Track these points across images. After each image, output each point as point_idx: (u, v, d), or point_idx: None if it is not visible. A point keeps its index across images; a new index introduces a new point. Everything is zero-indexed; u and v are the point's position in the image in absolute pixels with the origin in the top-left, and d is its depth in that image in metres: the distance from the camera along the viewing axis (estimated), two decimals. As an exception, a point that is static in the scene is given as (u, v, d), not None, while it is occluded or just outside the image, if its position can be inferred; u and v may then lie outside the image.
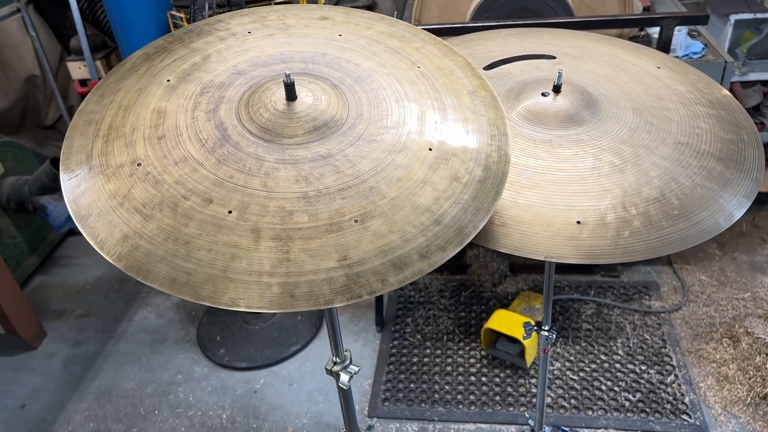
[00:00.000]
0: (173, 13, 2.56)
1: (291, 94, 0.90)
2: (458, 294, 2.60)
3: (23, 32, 2.85)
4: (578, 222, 0.96)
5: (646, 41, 2.17)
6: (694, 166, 1.02)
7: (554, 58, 1.27)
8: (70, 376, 2.39)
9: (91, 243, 0.77)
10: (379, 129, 0.91)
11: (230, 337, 2.46)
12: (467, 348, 2.34)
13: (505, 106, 1.13)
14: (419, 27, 1.12)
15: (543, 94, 1.13)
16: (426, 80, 0.99)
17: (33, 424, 2.20)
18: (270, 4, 2.49)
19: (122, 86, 0.95)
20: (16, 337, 2.47)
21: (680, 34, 2.13)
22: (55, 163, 2.57)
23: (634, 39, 2.16)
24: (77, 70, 2.90)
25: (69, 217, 1.68)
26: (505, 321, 2.21)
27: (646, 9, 2.44)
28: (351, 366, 1.23)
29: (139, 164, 0.84)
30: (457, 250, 0.81)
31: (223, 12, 2.13)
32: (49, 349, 2.53)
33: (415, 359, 2.31)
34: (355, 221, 0.81)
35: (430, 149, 0.89)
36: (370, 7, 2.98)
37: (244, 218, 0.79)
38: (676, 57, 2.15)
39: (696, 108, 1.13)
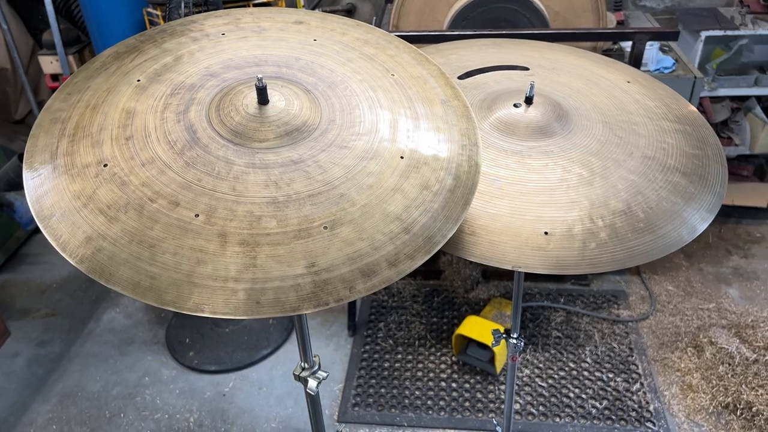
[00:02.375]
0: (149, 10, 2.52)
1: (263, 98, 0.90)
2: (431, 299, 2.61)
3: (-6, 24, 2.79)
4: (546, 233, 0.97)
5: (619, 55, 2.21)
6: (659, 180, 1.04)
7: (527, 69, 1.28)
8: (34, 377, 2.34)
9: (53, 244, 0.75)
10: (351, 135, 0.91)
11: (200, 339, 2.43)
12: (438, 354, 2.35)
13: (477, 116, 1.14)
14: (396, 33, 1.13)
15: (515, 105, 1.14)
16: (399, 88, 0.99)
17: (-7, 426, 2.15)
18: (248, 6, 2.47)
19: (91, 85, 0.93)
20: (-22, 337, 2.41)
21: (652, 48, 2.18)
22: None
23: (607, 52, 2.20)
24: (49, 64, 2.84)
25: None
26: (476, 327, 2.23)
27: (619, 23, 2.49)
28: (319, 372, 1.23)
29: (105, 165, 0.83)
30: (426, 258, 0.81)
31: (200, 11, 2.11)
32: (13, 348, 2.47)
33: (386, 364, 2.31)
34: (325, 228, 0.80)
35: (402, 157, 0.90)
36: (350, 12, 2.98)
37: (211, 222, 0.78)
38: (648, 71, 2.20)
39: (663, 123, 1.15)
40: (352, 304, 2.47)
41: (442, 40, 1.44)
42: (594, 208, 1.00)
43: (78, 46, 2.90)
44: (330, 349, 2.41)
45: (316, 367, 1.23)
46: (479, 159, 0.93)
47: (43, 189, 0.81)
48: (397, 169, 0.88)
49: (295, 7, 2.90)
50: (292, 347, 2.42)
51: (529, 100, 1.14)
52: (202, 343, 2.42)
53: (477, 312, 2.48)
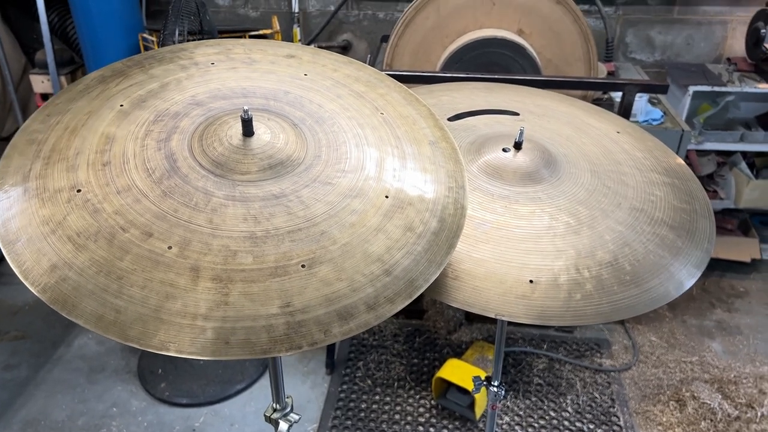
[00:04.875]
0: (145, 35, 2.53)
1: (248, 130, 0.88)
2: (412, 339, 2.56)
3: (-14, 41, 2.77)
4: (531, 281, 0.94)
5: (609, 104, 2.23)
6: (647, 233, 1.03)
7: (518, 114, 1.28)
8: (-4, 402, 2.25)
9: (16, 271, 0.72)
10: (336, 172, 0.89)
11: (173, 370, 2.36)
12: (417, 396, 2.29)
13: (465, 159, 1.13)
14: (387, 72, 1.12)
15: (504, 150, 1.13)
16: (388, 127, 0.98)
17: (-52, 453, 2.05)
18: (243, 37, 2.48)
19: (72, 107, 0.91)
20: (-58, 357, 2.32)
21: (641, 100, 2.20)
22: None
23: (597, 101, 2.22)
24: (40, 83, 2.82)
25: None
26: (457, 371, 2.18)
27: (610, 73, 2.52)
28: (291, 414, 1.18)
29: (78, 190, 0.80)
30: (406, 303, 0.78)
31: (195, 40, 2.11)
32: (-23, 372, 2.38)
33: (363, 405, 2.25)
34: (303, 266, 0.78)
35: (387, 196, 0.88)
36: (346, 48, 3.00)
37: (184, 255, 0.75)
38: (637, 122, 2.22)
39: (652, 175, 1.15)
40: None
41: (433, 81, 1.45)
42: (580, 258, 0.98)
43: (71, 67, 2.89)
44: (306, 386, 2.35)
45: (289, 409, 1.18)
46: (466, 202, 0.91)
47: (11, 212, 0.78)
48: (381, 208, 0.86)
49: (292, 40, 2.92)
50: (267, 383, 2.35)
51: (518, 145, 1.13)
52: (174, 374, 2.34)
53: (459, 355, 2.44)
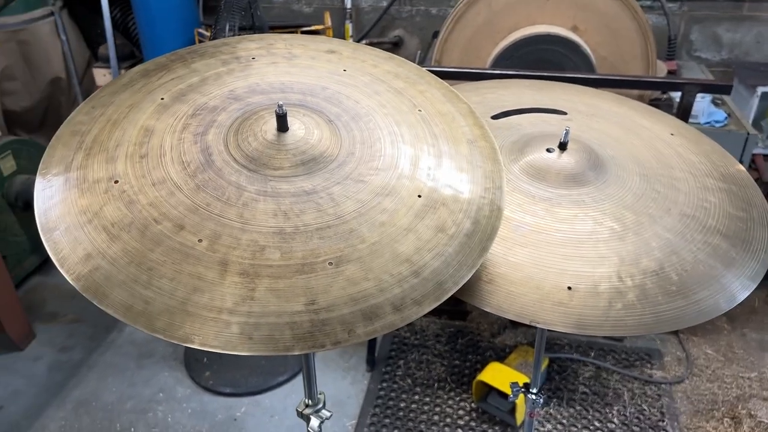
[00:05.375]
0: (201, 30, 2.58)
1: (282, 125, 0.87)
2: (455, 340, 2.53)
3: (54, 35, 2.90)
4: (569, 288, 0.91)
5: (668, 105, 2.13)
6: (698, 241, 0.97)
7: (565, 113, 1.24)
8: (52, 382, 2.35)
9: (53, 258, 0.74)
10: (369, 170, 0.87)
11: (217, 359, 2.41)
12: (457, 398, 2.26)
13: (507, 159, 1.10)
14: (430, 68, 1.10)
15: (548, 150, 1.09)
16: (425, 124, 0.96)
17: (7, 428, 2.16)
18: (296, 33, 2.50)
19: (115, 100, 0.93)
20: (5, 336, 2.44)
21: (703, 101, 2.10)
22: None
23: (655, 101, 2.13)
24: (102, 77, 2.94)
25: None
26: (499, 375, 2.14)
27: (672, 72, 2.41)
28: (323, 411, 1.18)
29: (116, 181, 0.81)
30: (434, 305, 0.76)
31: (245, 35, 2.14)
32: (36, 352, 2.50)
33: (402, 404, 2.24)
34: (330, 264, 0.77)
35: (420, 196, 0.86)
36: (397, 44, 2.99)
37: (214, 249, 0.76)
38: (697, 124, 2.11)
39: (706, 180, 1.08)
40: (372, 338, 2.42)
41: (482, 78, 1.41)
42: (624, 266, 0.93)
43: (131, 61, 2.99)
44: (347, 382, 2.35)
45: (321, 405, 1.18)
46: (502, 204, 0.88)
47: (52, 201, 0.80)
48: (413, 207, 0.84)
49: (344, 36, 2.93)
50: (308, 377, 2.37)
51: (563, 146, 1.09)
52: (219, 363, 2.39)
53: (501, 359, 2.39)
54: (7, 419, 2.19)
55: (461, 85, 1.27)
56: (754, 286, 0.93)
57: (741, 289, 0.93)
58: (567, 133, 1.08)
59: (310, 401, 1.17)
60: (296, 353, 0.69)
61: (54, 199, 0.80)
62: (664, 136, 1.19)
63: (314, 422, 1.16)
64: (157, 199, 0.79)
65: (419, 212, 0.84)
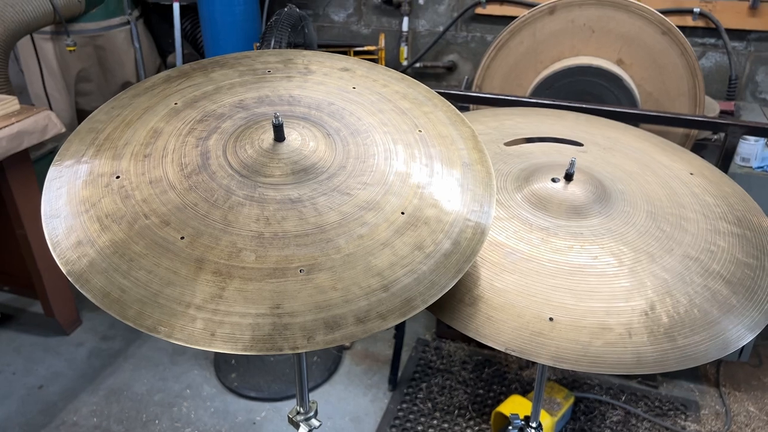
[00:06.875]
0: (258, 45, 2.70)
1: (279, 135, 0.91)
2: (481, 369, 2.49)
3: (128, 43, 3.10)
4: (551, 319, 0.89)
5: (717, 146, 2.04)
6: (696, 285, 0.93)
7: (581, 145, 1.22)
8: (90, 368, 2.47)
9: (48, 241, 0.80)
10: (357, 183, 0.90)
11: (245, 362, 2.47)
12: (476, 428, 2.22)
13: (512, 186, 1.09)
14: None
15: (553, 180, 1.08)
16: (423, 145, 0.97)
17: (43, 406, 2.29)
18: (348, 53, 2.57)
19: (134, 102, 1.00)
20: (54, 321, 2.60)
21: (758, 144, 2.00)
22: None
23: (703, 141, 2.05)
24: (168, 84, 3.10)
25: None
26: (519, 408, 2.08)
27: (728, 113, 2.31)
28: (313, 420, 1.20)
29: (117, 177, 0.87)
30: (399, 321, 0.77)
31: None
32: (80, 338, 2.64)
33: (419, 427, 2.22)
34: (301, 270, 0.79)
35: (403, 213, 0.87)
36: (450, 69, 3.01)
37: (193, 246, 0.79)
38: (749, 167, 2.01)
39: (719, 223, 1.04)
40: (397, 358, 2.41)
41: (513, 105, 1.41)
42: (612, 302, 0.91)
43: (196, 70, 3.15)
44: (367, 399, 2.35)
45: (311, 414, 1.20)
46: (487, 228, 0.88)
47: (60, 191, 0.86)
48: (394, 223, 0.85)
49: (398, 59, 2.99)
50: (330, 389, 2.40)
51: (569, 176, 1.07)
52: (246, 366, 2.45)
53: (526, 392, 2.33)
54: (45, 398, 2.32)
55: (480, 110, 1.27)
56: (752, 336, 0.89)
57: (737, 340, 0.88)
58: (573, 164, 1.06)
59: (301, 408, 1.19)
60: (253, 354, 0.72)
61: (61, 189, 0.87)
62: (683, 174, 1.15)
63: (303, 429, 1.18)
64: (151, 196, 0.84)
65: (399, 228, 0.85)
